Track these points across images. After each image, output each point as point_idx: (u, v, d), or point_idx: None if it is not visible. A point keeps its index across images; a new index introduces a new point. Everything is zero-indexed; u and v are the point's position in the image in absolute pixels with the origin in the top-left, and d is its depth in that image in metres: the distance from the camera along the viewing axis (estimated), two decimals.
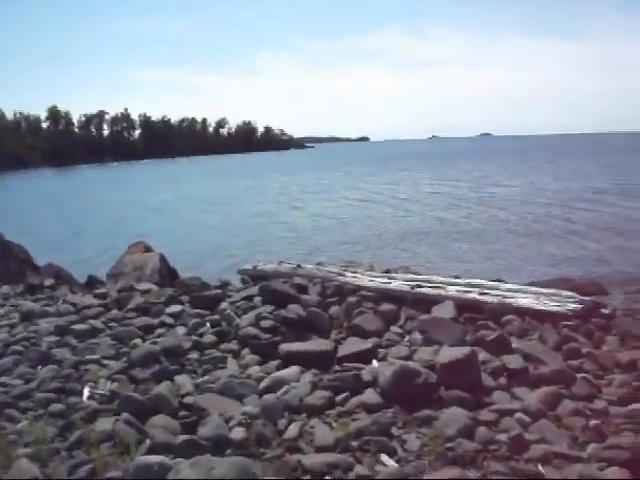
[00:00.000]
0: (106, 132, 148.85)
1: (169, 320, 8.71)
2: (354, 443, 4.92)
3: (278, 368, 6.72)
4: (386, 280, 9.90)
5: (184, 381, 6.47)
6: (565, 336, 7.06)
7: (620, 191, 32.02)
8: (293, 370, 6.47)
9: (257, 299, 9.23)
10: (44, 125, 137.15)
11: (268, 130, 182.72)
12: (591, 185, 35.56)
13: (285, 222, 26.27)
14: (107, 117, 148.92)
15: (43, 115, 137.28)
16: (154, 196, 42.22)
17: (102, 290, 10.75)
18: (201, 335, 8.12)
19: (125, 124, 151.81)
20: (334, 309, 9.03)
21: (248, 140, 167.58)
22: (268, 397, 5.75)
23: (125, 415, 5.34)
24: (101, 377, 6.65)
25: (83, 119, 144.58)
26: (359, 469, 4.57)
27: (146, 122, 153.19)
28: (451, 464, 4.51)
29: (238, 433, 5.13)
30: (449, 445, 4.75)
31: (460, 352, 5.81)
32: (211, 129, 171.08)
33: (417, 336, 7.55)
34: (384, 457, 4.73)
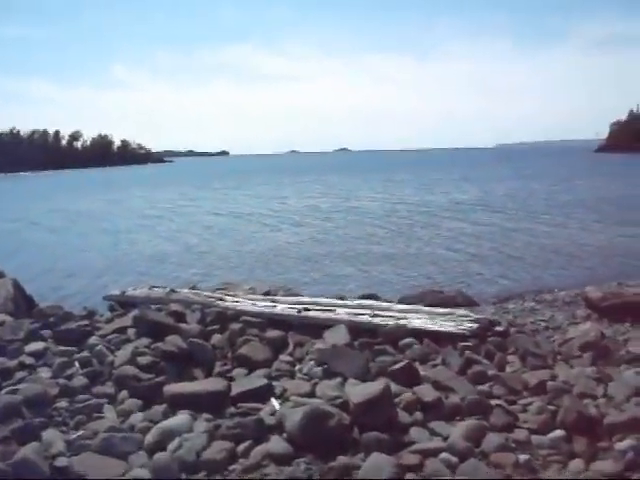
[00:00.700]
0: None
1: (30, 360, 7.49)
2: None
3: (165, 414, 5.87)
4: (270, 304, 9.35)
5: (54, 438, 5.45)
6: (467, 359, 6.83)
7: (482, 203, 33.64)
8: (183, 418, 5.67)
9: (131, 331, 8.35)
10: None
11: (125, 144, 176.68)
12: (451, 197, 37.22)
13: (152, 240, 24.92)
14: None
15: None
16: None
17: None
18: (69, 377, 7.02)
19: None
20: (216, 338, 8.34)
21: (104, 154, 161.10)
22: (159, 456, 4.95)
23: None
24: None
25: None
26: None
27: None
28: None
29: None
30: None
31: (373, 388, 5.35)
32: (64, 142, 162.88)
33: (314, 367, 7.01)
34: None
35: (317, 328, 8.32)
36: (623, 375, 6.43)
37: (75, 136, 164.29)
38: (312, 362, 7.27)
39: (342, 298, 9.97)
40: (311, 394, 6.15)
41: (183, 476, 4.78)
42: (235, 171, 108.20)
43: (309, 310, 8.75)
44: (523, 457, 4.72)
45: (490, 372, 6.51)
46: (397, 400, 5.56)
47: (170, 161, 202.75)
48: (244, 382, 6.73)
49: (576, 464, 4.69)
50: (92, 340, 8.16)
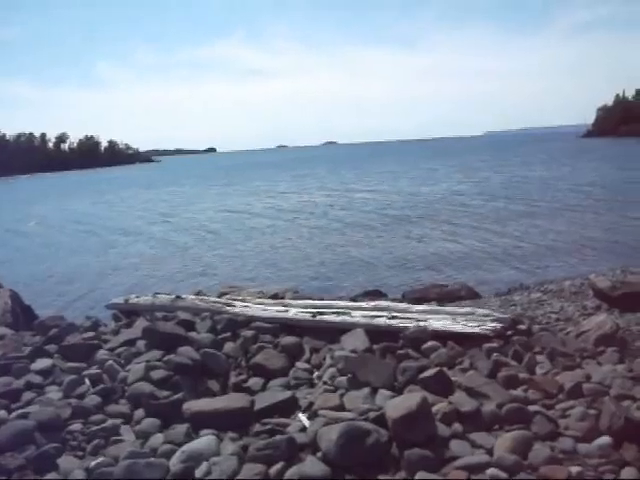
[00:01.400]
0: None
1: (37, 379, 7.14)
2: None
3: (187, 435, 5.54)
4: (282, 308, 9.06)
5: (71, 465, 5.15)
6: (496, 361, 6.56)
7: (477, 192, 33.61)
8: (209, 439, 5.35)
9: (140, 343, 8.02)
10: None
11: (112, 144, 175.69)
12: (446, 188, 37.16)
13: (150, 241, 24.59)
14: None
15: None
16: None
17: None
18: (81, 397, 6.70)
19: None
20: (229, 346, 8.06)
21: (92, 155, 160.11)
22: None
23: None
24: None
25: None
26: None
27: None
28: None
29: None
30: None
31: (411, 401, 5.05)
32: (51, 145, 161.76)
33: (338, 377, 6.73)
34: None
35: (332, 332, 8.05)
36: None
37: (62, 138, 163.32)
38: (332, 369, 7.00)
39: (354, 300, 9.71)
40: (340, 407, 5.86)
41: None
42: (225, 168, 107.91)
43: (323, 314, 8.47)
44: (575, 469, 4.47)
45: (521, 375, 6.25)
46: (434, 411, 5.30)
47: (158, 160, 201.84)
48: (267, 395, 6.44)
49: (629, 472, 4.45)
50: (101, 354, 7.84)
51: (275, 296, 10.58)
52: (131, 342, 8.15)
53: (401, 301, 10.03)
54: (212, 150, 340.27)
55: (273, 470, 4.86)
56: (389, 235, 21.76)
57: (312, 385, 7.00)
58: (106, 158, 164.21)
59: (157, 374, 6.89)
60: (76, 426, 6.03)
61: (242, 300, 9.77)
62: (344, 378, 6.58)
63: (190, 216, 32.77)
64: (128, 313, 10.12)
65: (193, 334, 8.27)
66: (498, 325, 7.41)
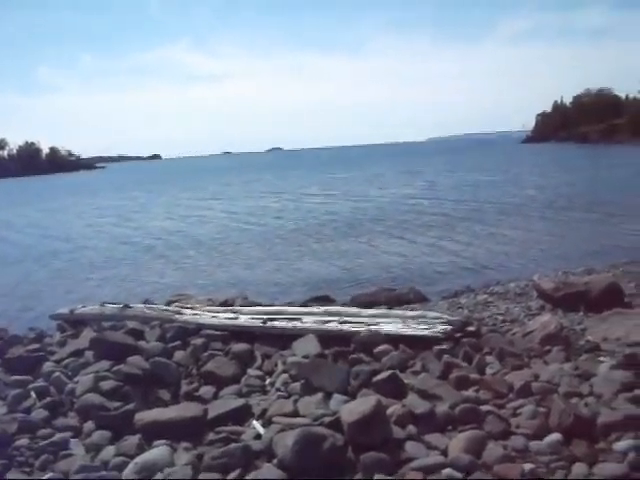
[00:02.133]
0: None
1: None
2: None
3: (140, 447, 5.41)
4: (232, 315, 9.00)
5: None
6: (447, 363, 6.67)
7: (423, 196, 34.02)
8: (162, 449, 5.24)
9: (88, 353, 7.85)
10: None
11: (54, 151, 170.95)
12: (394, 192, 37.56)
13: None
14: None
15: None
16: None
17: None
18: (27, 411, 6.52)
19: None
20: (179, 355, 7.98)
21: (32, 162, 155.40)
22: None
23: None
24: None
25: None
26: None
27: None
28: None
29: None
30: None
31: (366, 405, 5.07)
32: None
33: (291, 382, 6.72)
34: None
35: (283, 338, 8.05)
36: (601, 370, 6.37)
37: (0, 144, 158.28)
38: (285, 375, 6.99)
39: (305, 305, 9.71)
40: (295, 413, 5.84)
41: None
42: (172, 174, 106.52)
43: (274, 320, 8.44)
44: (528, 466, 4.56)
45: (472, 376, 6.36)
46: (388, 414, 5.33)
47: (102, 167, 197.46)
48: (219, 404, 6.38)
49: (580, 468, 4.55)
50: (47, 366, 7.65)
51: (225, 303, 10.52)
52: (79, 353, 7.99)
53: (351, 305, 10.08)
54: (157, 157, 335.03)
55: (229, 478, 4.81)
56: (336, 240, 21.80)
57: (265, 392, 6.98)
58: (47, 165, 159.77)
59: (107, 385, 6.74)
60: (23, 441, 5.84)
61: (191, 308, 9.67)
62: (297, 384, 6.58)
63: (139, 224, 32.19)
64: (74, 323, 9.91)
65: (142, 343, 8.16)
66: (448, 327, 7.54)
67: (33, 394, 6.92)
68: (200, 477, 4.84)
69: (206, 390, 7.13)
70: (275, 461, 4.90)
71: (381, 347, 7.18)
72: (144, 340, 8.36)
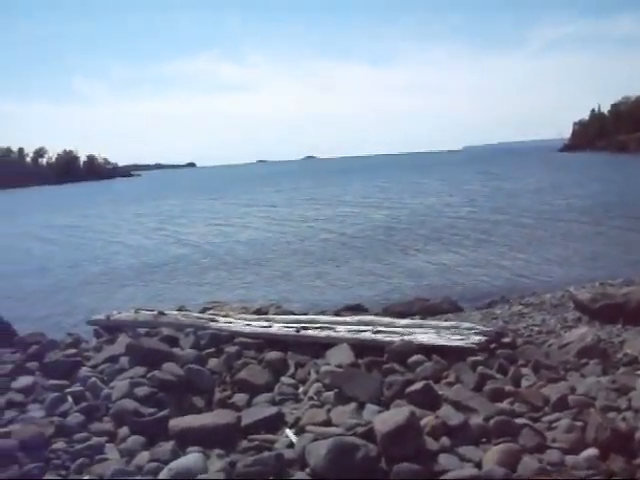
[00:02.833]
0: None
1: (19, 397, 7.06)
2: None
3: (174, 453, 5.48)
4: (265, 323, 9.03)
5: None
6: (481, 374, 6.61)
7: (463, 203, 33.76)
8: (196, 456, 5.29)
9: (123, 359, 7.95)
10: None
11: (91, 159, 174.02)
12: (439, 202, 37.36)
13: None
14: None
15: None
16: None
17: None
18: (64, 415, 6.62)
19: None
20: (213, 362, 8.03)
21: (70, 170, 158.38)
22: None
23: None
24: None
25: None
26: None
27: None
28: None
29: None
30: None
31: (400, 415, 5.06)
32: (29, 159, 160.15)
33: (324, 392, 6.72)
34: None
35: (316, 347, 8.05)
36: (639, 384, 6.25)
37: (40, 153, 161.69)
38: (318, 384, 6.99)
39: (338, 314, 9.71)
40: (328, 422, 5.85)
41: None
42: (210, 181, 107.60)
43: (307, 329, 8.45)
44: None
45: (507, 388, 6.30)
46: (421, 425, 5.30)
47: (138, 175, 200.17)
48: (253, 411, 6.42)
49: None
50: (83, 372, 7.77)
51: (258, 311, 10.57)
52: (114, 359, 8.08)
53: (384, 316, 10.04)
54: (192, 165, 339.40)
55: None
56: (371, 249, 21.74)
57: (298, 400, 6.99)
58: (85, 173, 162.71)
59: (141, 391, 6.83)
60: (59, 445, 5.96)
61: (225, 315, 9.73)
62: (330, 393, 6.58)
63: (175, 231, 32.50)
64: (110, 329, 10.03)
65: (177, 350, 8.23)
66: (482, 338, 7.46)
67: (70, 398, 7.03)
68: None
69: (239, 398, 7.17)
70: (308, 470, 4.92)
71: (414, 357, 7.14)
72: (179, 347, 8.44)
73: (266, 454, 5.12)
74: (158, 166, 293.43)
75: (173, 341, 8.61)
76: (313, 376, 7.31)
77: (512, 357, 7.26)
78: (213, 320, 9.34)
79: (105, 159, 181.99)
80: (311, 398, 6.77)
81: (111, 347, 8.71)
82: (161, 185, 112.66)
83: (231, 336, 8.66)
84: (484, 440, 5.28)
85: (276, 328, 8.68)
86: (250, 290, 16.08)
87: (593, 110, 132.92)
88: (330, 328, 8.38)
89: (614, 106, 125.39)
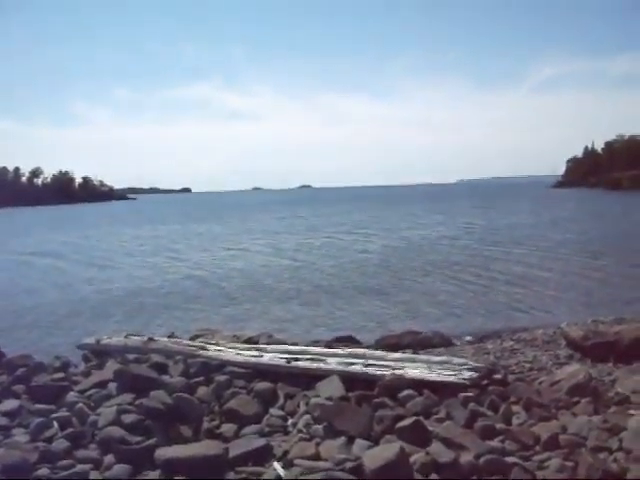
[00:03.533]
0: None
1: (3, 421, 6.97)
2: None
3: None
4: (256, 353, 8.96)
5: None
6: (472, 411, 6.55)
7: (456, 236, 33.86)
8: None
9: (112, 385, 7.87)
10: None
11: (87, 181, 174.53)
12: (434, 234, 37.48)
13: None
14: None
15: None
16: None
17: None
18: (49, 440, 6.51)
19: None
20: (202, 391, 7.96)
21: (65, 191, 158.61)
22: None
23: None
24: None
25: None
26: None
27: None
28: None
29: None
30: None
31: (389, 451, 5.01)
32: (24, 179, 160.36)
33: (313, 425, 6.65)
34: None
35: (307, 379, 7.99)
36: (631, 424, 6.20)
37: (35, 173, 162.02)
38: (307, 417, 6.93)
39: (329, 346, 9.67)
40: (316, 456, 5.78)
41: None
42: (203, 208, 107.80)
43: (298, 360, 8.40)
44: None
45: (498, 425, 6.24)
46: (411, 461, 5.24)
47: (133, 198, 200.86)
48: (241, 443, 6.33)
49: None
50: (70, 396, 7.68)
51: (249, 340, 10.51)
52: (102, 384, 8.00)
53: (376, 348, 10.00)
54: (187, 190, 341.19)
55: None
56: (365, 279, 21.74)
57: (286, 432, 6.92)
58: (80, 194, 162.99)
59: (129, 418, 6.74)
60: (43, 471, 5.86)
61: (216, 344, 9.66)
62: (320, 426, 6.51)
63: (176, 255, 32.47)
64: (99, 354, 9.96)
65: (166, 377, 8.17)
66: (474, 374, 7.42)
67: (55, 424, 6.91)
68: None
69: (228, 428, 7.09)
70: None
71: (405, 392, 7.09)
72: (168, 374, 8.37)
73: None
74: (153, 190, 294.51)
75: (162, 368, 8.54)
76: (303, 408, 7.24)
77: (503, 394, 7.21)
78: (203, 348, 9.27)
79: (101, 181, 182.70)
80: (300, 431, 6.70)
81: (100, 372, 8.63)
82: (157, 209, 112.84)
83: (221, 365, 8.60)
84: (474, 478, 5.22)
85: (267, 358, 8.62)
86: (242, 318, 16.00)
87: (587, 147, 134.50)
88: (321, 360, 8.33)
89: (607, 144, 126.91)
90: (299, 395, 7.72)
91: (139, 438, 6.33)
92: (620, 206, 61.27)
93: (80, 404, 7.33)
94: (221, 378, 8.17)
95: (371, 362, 8.00)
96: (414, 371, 7.56)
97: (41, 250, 37.33)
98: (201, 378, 8.27)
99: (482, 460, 5.35)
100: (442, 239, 34.69)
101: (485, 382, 7.43)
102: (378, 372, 7.63)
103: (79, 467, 5.95)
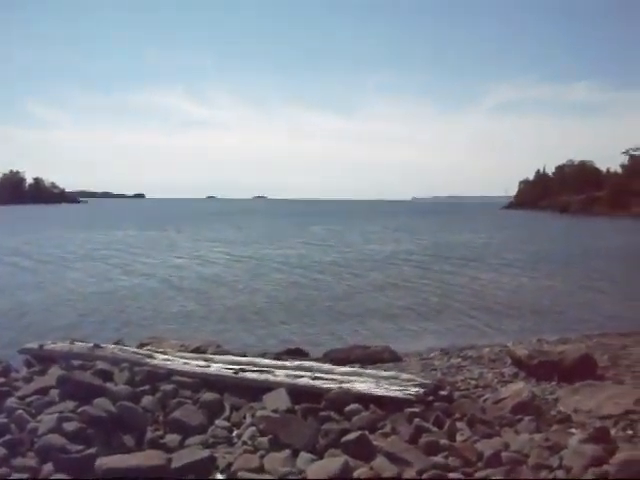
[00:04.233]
0: None
1: None
2: None
3: None
4: (203, 363, 8.87)
5: None
6: (417, 427, 6.60)
7: (408, 251, 34.18)
8: None
9: (54, 392, 7.66)
10: None
11: (38, 182, 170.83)
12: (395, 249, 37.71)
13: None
14: None
15: None
16: None
17: None
18: None
19: None
20: (147, 400, 7.80)
21: (15, 192, 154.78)
22: None
23: None
24: None
25: None
26: None
27: None
28: None
29: None
30: None
31: (333, 466, 5.01)
32: None
33: (258, 437, 6.60)
34: None
35: (254, 390, 7.94)
36: (571, 442, 6.33)
37: None
38: (253, 429, 6.87)
39: (278, 358, 9.62)
40: (260, 469, 5.73)
41: None
42: (158, 212, 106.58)
43: (246, 371, 8.34)
44: None
45: (442, 441, 6.29)
46: (355, 476, 5.24)
47: (85, 201, 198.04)
48: (184, 454, 6.23)
49: None
50: (10, 402, 7.42)
51: (197, 350, 10.39)
52: (44, 391, 7.78)
53: (324, 361, 10.00)
54: (140, 196, 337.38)
55: None
56: (315, 292, 21.77)
57: (231, 444, 6.84)
58: (31, 196, 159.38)
59: (70, 426, 6.56)
60: None
61: (163, 352, 9.53)
62: (265, 438, 6.47)
63: (129, 259, 31.95)
64: (42, 359, 9.70)
65: (110, 385, 7.99)
66: (420, 390, 7.48)
67: None
68: None
69: (172, 438, 6.96)
70: None
71: (352, 406, 7.10)
72: (112, 382, 8.20)
73: None
74: (106, 194, 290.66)
75: (107, 376, 8.36)
76: (248, 420, 7.19)
77: (448, 410, 7.29)
78: (150, 356, 9.13)
79: (53, 183, 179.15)
80: (245, 443, 6.64)
81: (42, 378, 8.41)
82: (109, 213, 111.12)
83: (168, 374, 8.47)
84: None
85: (214, 368, 8.54)
86: (191, 327, 15.81)
87: (538, 171, 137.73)
88: (269, 372, 8.30)
89: (558, 168, 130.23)
90: (245, 407, 7.67)
91: (80, 447, 6.16)
92: (568, 229, 63.02)
93: (20, 410, 7.09)
94: (167, 387, 8.05)
95: (319, 375, 8.01)
96: (361, 385, 7.58)
97: None
98: (147, 387, 8.12)
99: (425, 476, 5.39)
100: (397, 254, 35.05)
101: (431, 398, 7.51)
102: (325, 385, 7.63)
103: (15, 476, 5.76)
